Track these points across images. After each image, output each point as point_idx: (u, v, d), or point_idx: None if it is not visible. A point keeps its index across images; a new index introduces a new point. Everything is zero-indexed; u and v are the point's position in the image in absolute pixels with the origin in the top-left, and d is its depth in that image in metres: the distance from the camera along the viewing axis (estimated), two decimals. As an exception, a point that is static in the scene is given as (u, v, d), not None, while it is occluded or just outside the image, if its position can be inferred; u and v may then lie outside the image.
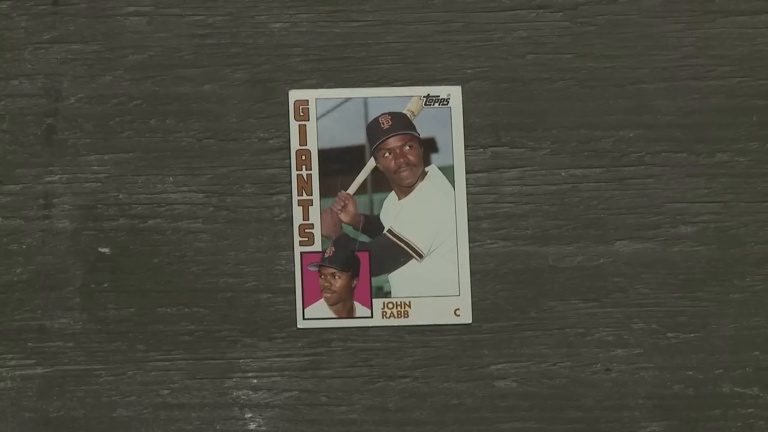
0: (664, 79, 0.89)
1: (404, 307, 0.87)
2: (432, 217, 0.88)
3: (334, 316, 0.87)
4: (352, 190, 0.88)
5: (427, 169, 0.88)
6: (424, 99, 0.89)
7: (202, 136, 0.88)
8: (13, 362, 0.87)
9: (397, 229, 0.88)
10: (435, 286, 0.87)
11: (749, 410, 0.87)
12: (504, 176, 0.89)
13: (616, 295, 0.88)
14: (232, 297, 0.87)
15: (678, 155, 0.89)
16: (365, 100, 0.89)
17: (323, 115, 0.88)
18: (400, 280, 0.88)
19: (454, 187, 0.88)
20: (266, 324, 0.87)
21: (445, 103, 0.89)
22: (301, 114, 0.88)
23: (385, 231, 0.88)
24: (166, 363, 0.87)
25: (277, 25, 0.89)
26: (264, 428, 0.87)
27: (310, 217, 0.88)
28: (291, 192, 0.88)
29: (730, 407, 0.87)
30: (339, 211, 0.88)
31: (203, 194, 0.88)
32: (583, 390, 0.87)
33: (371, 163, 0.88)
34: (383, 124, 0.88)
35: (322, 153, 0.88)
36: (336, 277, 0.88)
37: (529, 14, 0.90)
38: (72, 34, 0.89)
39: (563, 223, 0.88)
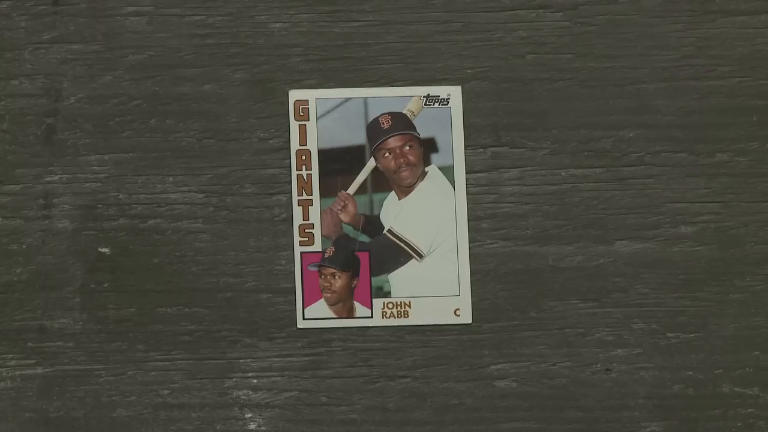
0: (664, 79, 0.89)
1: (404, 307, 0.87)
2: (432, 217, 0.88)
3: (334, 316, 0.87)
4: (352, 190, 0.88)
5: (427, 169, 0.88)
6: (424, 99, 0.89)
7: (202, 136, 0.88)
8: (13, 362, 0.87)
9: (397, 229, 0.88)
10: (435, 286, 0.87)
11: (749, 410, 0.87)
12: (504, 176, 0.89)
13: (616, 295, 0.88)
14: (232, 297, 0.87)
15: (678, 155, 0.89)
16: (365, 100, 0.89)
17: (323, 115, 0.88)
18: (400, 280, 0.88)
19: (454, 187, 0.88)
20: (266, 324, 0.87)
21: (445, 103, 0.89)
22: (301, 114, 0.88)
23: (385, 231, 0.88)
24: (166, 363, 0.87)
25: (277, 25, 0.89)
26: (264, 428, 0.87)
27: (310, 217, 0.88)
28: (291, 192, 0.88)
29: (730, 407, 0.87)
30: (339, 211, 0.88)
31: (203, 194, 0.88)
32: (583, 390, 0.87)
33: (371, 163, 0.88)
34: (383, 124, 0.88)
35: (322, 153, 0.88)
36: (336, 277, 0.88)
37: (529, 14, 0.90)
38: (72, 34, 0.89)
39: (563, 223, 0.88)
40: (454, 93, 0.89)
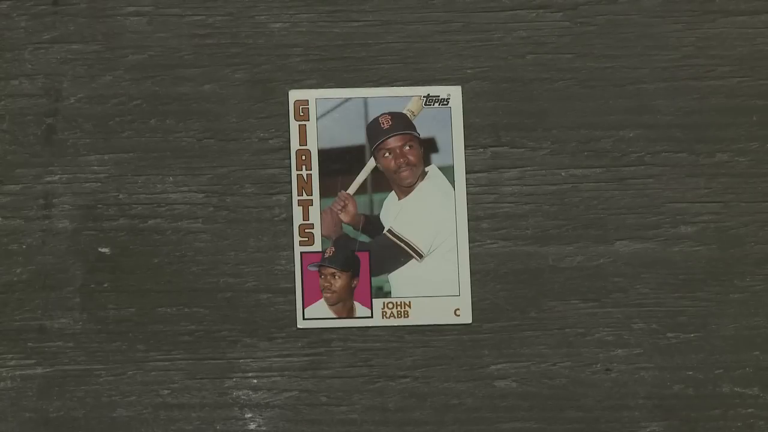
0: (664, 79, 0.89)
1: (404, 307, 0.87)
2: (432, 217, 0.88)
3: (334, 316, 0.87)
4: (352, 190, 0.88)
5: (427, 169, 0.88)
6: (424, 99, 0.89)
7: (202, 136, 0.88)
8: (13, 362, 0.87)
9: (397, 229, 0.88)
10: (435, 286, 0.87)
11: (749, 410, 0.87)
12: (504, 176, 0.89)
13: (616, 295, 0.88)
14: (232, 297, 0.87)
15: (678, 155, 0.89)
16: (365, 100, 0.89)
17: (323, 115, 0.88)
18: (400, 280, 0.88)
19: (454, 187, 0.88)
20: (266, 324, 0.87)
21: (445, 103, 0.89)
22: (301, 114, 0.88)
23: (385, 231, 0.88)
24: (166, 363, 0.87)
25: (277, 25, 0.89)
26: (264, 428, 0.87)
27: (310, 217, 0.88)
28: (291, 192, 0.88)
29: (730, 407, 0.87)
30: (339, 211, 0.88)
31: (203, 194, 0.88)
32: (583, 390, 0.87)
33: (371, 163, 0.88)
34: (383, 124, 0.88)
35: (322, 153, 0.88)
36: (336, 277, 0.88)
37: (529, 14, 0.90)
38: (72, 34, 0.89)
39: (563, 223, 0.88)
40: (454, 93, 0.89)
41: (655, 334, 0.88)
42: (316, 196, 0.88)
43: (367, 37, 0.89)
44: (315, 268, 0.88)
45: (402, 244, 0.88)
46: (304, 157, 0.88)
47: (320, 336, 0.87)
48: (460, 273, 0.88)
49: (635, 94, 0.89)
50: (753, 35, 0.90)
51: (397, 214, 0.88)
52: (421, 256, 0.88)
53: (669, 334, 0.88)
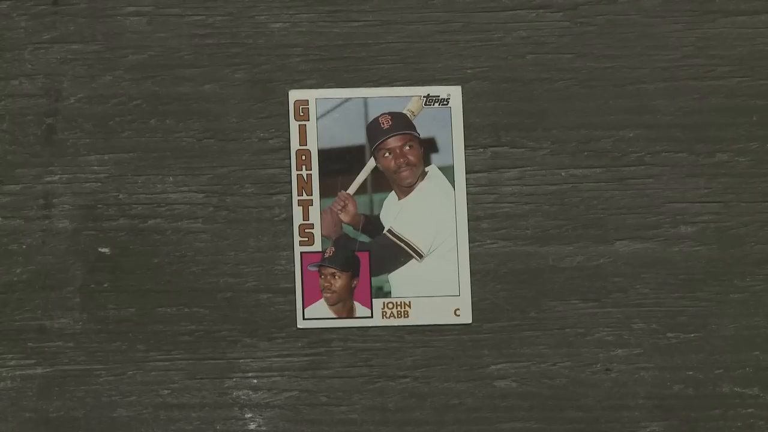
0: (664, 79, 0.89)
1: (404, 307, 0.87)
2: (432, 217, 0.88)
3: (334, 316, 0.87)
4: (352, 190, 0.88)
5: (427, 169, 0.88)
6: (424, 99, 0.89)
7: (202, 136, 0.88)
8: (13, 362, 0.87)
9: (397, 229, 0.88)
10: (435, 286, 0.87)
11: (749, 410, 0.87)
12: (504, 176, 0.89)
13: (616, 295, 0.88)
14: (232, 297, 0.87)
15: (678, 155, 0.89)
16: (365, 100, 0.89)
17: (323, 115, 0.88)
18: (400, 280, 0.88)
19: (454, 187, 0.88)
20: (266, 324, 0.87)
21: (445, 103, 0.89)
22: (301, 114, 0.88)
23: (385, 231, 0.88)
24: (166, 363, 0.87)
25: (277, 25, 0.89)
26: (264, 428, 0.87)
27: (310, 217, 0.88)
28: (291, 192, 0.88)
29: (730, 407, 0.87)
30: (339, 211, 0.88)
31: (203, 194, 0.88)
32: (583, 390, 0.87)
33: (371, 163, 0.88)
34: (383, 124, 0.88)
35: (322, 153, 0.88)
36: (336, 277, 0.88)
37: (529, 14, 0.90)
38: (72, 34, 0.89)
39: (563, 223, 0.88)
40: (454, 93, 0.89)
41: (655, 334, 0.88)
42: (316, 196, 0.88)
43: (367, 37, 0.89)
44: (315, 268, 0.88)
45: (402, 244, 0.88)
46: (304, 157, 0.88)
47: (320, 336, 0.87)
48: (460, 273, 0.88)
49: (635, 94, 0.89)
50: (753, 35, 0.90)
51: (397, 214, 0.88)
52: (421, 256, 0.88)
53: (669, 334, 0.88)
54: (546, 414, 0.87)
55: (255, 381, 0.87)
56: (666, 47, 0.89)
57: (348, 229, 0.88)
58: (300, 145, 0.88)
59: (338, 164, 0.88)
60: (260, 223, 0.88)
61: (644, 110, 0.89)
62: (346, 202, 0.88)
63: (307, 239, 0.88)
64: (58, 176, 0.88)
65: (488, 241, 0.88)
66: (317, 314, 0.87)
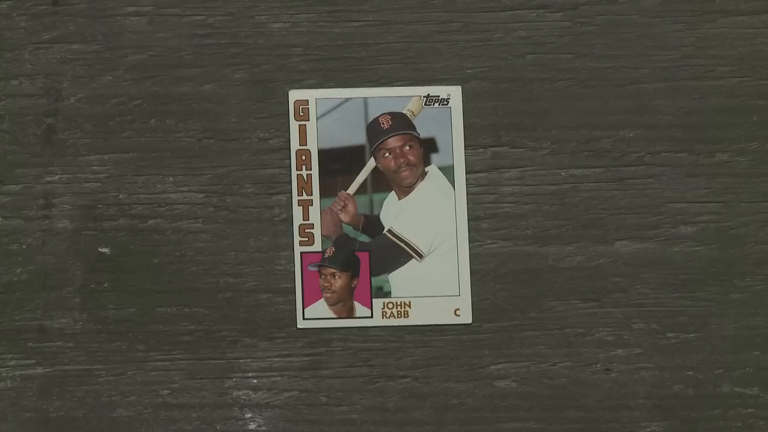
0: (664, 79, 0.89)
1: (404, 307, 0.87)
2: (432, 217, 0.88)
3: (334, 316, 0.87)
4: (352, 190, 0.88)
5: (427, 169, 0.88)
6: (424, 99, 0.89)
7: (202, 136, 0.88)
8: (13, 362, 0.87)
9: (397, 229, 0.88)
10: (435, 286, 0.87)
11: (749, 410, 0.87)
12: (504, 176, 0.89)
13: (616, 295, 0.88)
14: (232, 297, 0.87)
15: (678, 155, 0.89)
16: (365, 100, 0.89)
17: (323, 115, 0.88)
18: (400, 280, 0.88)
19: (454, 187, 0.88)
20: (266, 324, 0.87)
21: (445, 103, 0.89)
22: (301, 114, 0.88)
23: (385, 231, 0.88)
24: (166, 363, 0.87)
25: (277, 25, 0.89)
26: (264, 428, 0.87)
27: (310, 217, 0.88)
28: (291, 192, 0.88)
29: (730, 407, 0.87)
30: (339, 211, 0.88)
31: (203, 194, 0.88)
32: (583, 390, 0.87)
33: (371, 163, 0.88)
34: (383, 124, 0.88)
35: (322, 153, 0.88)
36: (336, 277, 0.88)
37: (529, 14, 0.90)
38: (72, 34, 0.89)
39: (563, 223, 0.88)
40: (454, 93, 0.89)
41: (655, 334, 0.88)
42: (316, 196, 0.88)
43: (367, 37, 0.89)
44: (315, 268, 0.88)
45: (402, 244, 0.88)
46: (304, 157, 0.88)
47: (320, 336, 0.87)
48: (460, 273, 0.88)
49: (635, 94, 0.89)
50: (753, 35, 0.90)
51: (397, 214, 0.88)
52: (421, 256, 0.88)
53: (669, 334, 0.88)
54: (546, 414, 0.87)
55: (255, 381, 0.87)
56: (666, 47, 0.89)
57: (348, 229, 0.88)
58: (300, 145, 0.88)
59: (338, 164, 0.88)
60: (260, 223, 0.88)
61: (644, 110, 0.89)
62: (346, 202, 0.88)
63: (307, 239, 0.88)
64: (58, 176, 0.88)
65: (488, 241, 0.88)
66: (317, 314, 0.87)
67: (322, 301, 0.87)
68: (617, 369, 0.87)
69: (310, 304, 0.87)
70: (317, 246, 0.88)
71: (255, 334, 0.87)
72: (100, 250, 0.87)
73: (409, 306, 0.87)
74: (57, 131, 0.88)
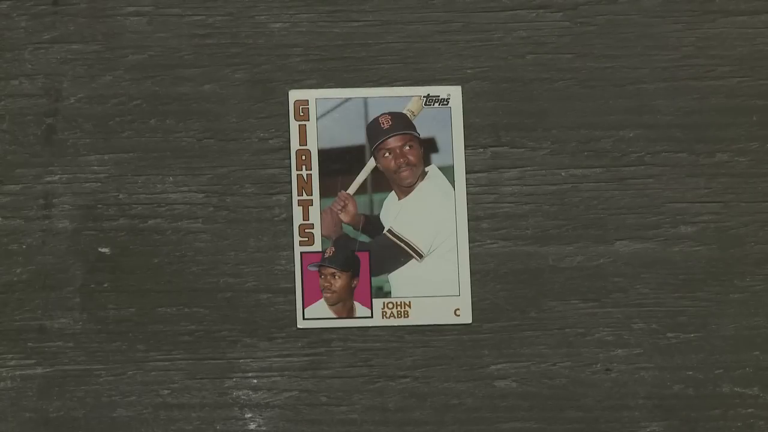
0: (664, 79, 0.89)
1: (404, 307, 0.87)
2: (432, 217, 0.88)
3: (334, 316, 0.87)
4: (352, 190, 0.88)
5: (427, 169, 0.88)
6: (424, 99, 0.89)
7: (202, 136, 0.88)
8: (13, 362, 0.87)
9: (397, 229, 0.88)
10: (435, 286, 0.87)
11: (749, 410, 0.87)
12: (504, 176, 0.89)
13: (616, 295, 0.88)
14: (232, 297, 0.87)
15: (678, 155, 0.89)
16: (365, 100, 0.89)
17: (323, 115, 0.88)
18: (400, 280, 0.88)
19: (454, 187, 0.88)
20: (266, 324, 0.87)
21: (445, 103, 0.89)
22: (301, 114, 0.88)
23: (385, 231, 0.88)
24: (166, 363, 0.87)
25: (277, 25, 0.89)
26: (264, 428, 0.87)
27: (310, 217, 0.88)
28: (291, 192, 0.88)
29: (730, 407, 0.87)
30: (339, 211, 0.88)
31: (203, 194, 0.88)
32: (583, 390, 0.87)
33: (371, 163, 0.88)
34: (383, 124, 0.88)
35: (322, 153, 0.88)
36: (336, 277, 0.88)
37: (529, 14, 0.90)
38: (72, 34, 0.89)
39: (563, 223, 0.88)
40: (454, 93, 0.89)
41: (655, 334, 0.88)
42: (316, 196, 0.88)
43: (367, 37, 0.89)
44: (315, 268, 0.88)
45: (402, 244, 0.88)
46: (304, 157, 0.88)
47: (320, 336, 0.87)
48: (460, 273, 0.87)
49: (635, 94, 0.89)
50: (753, 35, 0.90)
51: (397, 214, 0.88)
52: (421, 256, 0.88)
53: (669, 334, 0.88)
54: (546, 414, 0.87)
55: (255, 381, 0.87)
56: (666, 47, 0.89)
57: (348, 229, 0.88)
58: (300, 145, 0.88)
59: (338, 164, 0.88)
60: (260, 223, 0.88)
61: (644, 110, 0.89)
62: (346, 202, 0.88)
63: (307, 239, 0.88)
64: (58, 176, 0.88)
65: (488, 241, 0.88)
66: (317, 314, 0.87)
67: (322, 301, 0.87)
68: (617, 369, 0.87)
69: (310, 304, 0.87)
70: (317, 246, 0.88)
71: (255, 334, 0.87)
72: (100, 250, 0.87)
73: (409, 306, 0.87)
74: (57, 131, 0.88)
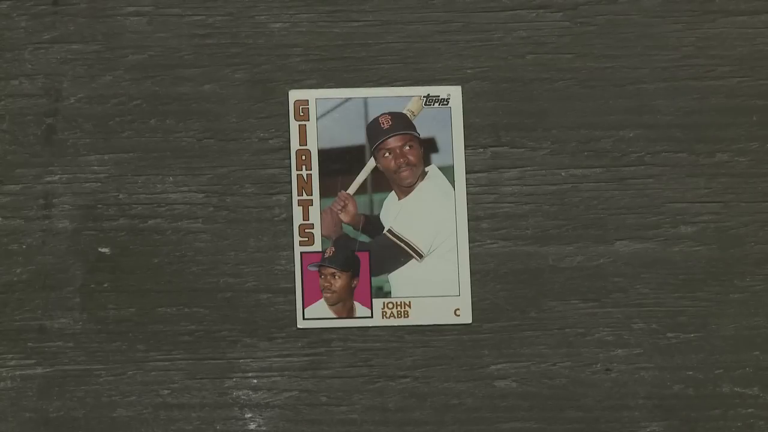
0: (664, 79, 0.89)
1: (404, 307, 0.87)
2: (432, 217, 0.88)
3: (334, 316, 0.87)
4: (352, 190, 0.88)
5: (427, 169, 0.88)
6: (424, 99, 0.89)
7: (202, 136, 0.88)
8: (13, 362, 0.87)
9: (397, 229, 0.88)
10: (435, 286, 0.87)
11: (749, 410, 0.87)
12: (504, 176, 0.89)
13: (616, 295, 0.88)
14: (232, 297, 0.87)
15: (678, 155, 0.89)
16: (365, 100, 0.89)
17: (323, 115, 0.88)
18: (400, 280, 0.88)
19: (454, 187, 0.88)
20: (266, 324, 0.87)
21: (445, 103, 0.89)
22: (301, 114, 0.88)
23: (385, 231, 0.88)
24: (166, 363, 0.87)
25: (277, 25, 0.89)
26: (264, 428, 0.87)
27: (310, 217, 0.88)
28: (291, 192, 0.88)
29: (730, 407, 0.87)
30: (339, 211, 0.88)
31: (203, 194, 0.88)
32: (583, 390, 0.87)
33: (371, 163, 0.88)
34: (383, 124, 0.88)
35: (322, 153, 0.88)
36: (336, 277, 0.88)
37: (529, 14, 0.90)
38: (72, 34, 0.89)
39: (563, 223, 0.88)
40: (454, 93, 0.89)
41: (655, 334, 0.88)
42: (316, 196, 0.88)
43: (367, 37, 0.89)
44: (315, 268, 0.88)
45: (402, 244, 0.88)
46: (304, 157, 0.88)
47: (320, 336, 0.87)
48: (460, 273, 0.87)
49: (635, 94, 0.89)
50: (753, 35, 0.90)
51: (397, 214, 0.88)
52: (421, 256, 0.88)
53: (669, 334, 0.88)
54: (546, 414, 0.87)
55: (255, 381, 0.87)
56: (666, 47, 0.89)
57: (348, 229, 0.88)
58: (300, 145, 0.88)
59: (338, 164, 0.88)
60: (260, 223, 0.88)
61: (644, 110, 0.89)
62: (346, 202, 0.88)
63: (307, 239, 0.88)
64: (58, 176, 0.88)
65: (488, 241, 0.88)
66: (317, 314, 0.87)
67: (322, 301, 0.87)
68: (617, 369, 0.87)
69: (310, 304, 0.87)
70: (317, 246, 0.88)
71: (255, 334, 0.87)
72: (100, 250, 0.87)
73: (409, 306, 0.87)
74: (57, 131, 0.88)
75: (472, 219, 0.88)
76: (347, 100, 0.88)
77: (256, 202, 0.88)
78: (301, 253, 0.88)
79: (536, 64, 0.89)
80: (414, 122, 0.89)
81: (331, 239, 0.88)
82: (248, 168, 0.88)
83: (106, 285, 0.87)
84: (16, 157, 0.88)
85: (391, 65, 0.89)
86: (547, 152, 0.89)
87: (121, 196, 0.88)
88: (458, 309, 0.87)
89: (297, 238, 0.88)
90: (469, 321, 0.87)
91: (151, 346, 0.87)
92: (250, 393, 0.87)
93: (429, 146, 0.88)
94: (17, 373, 0.86)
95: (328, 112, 0.88)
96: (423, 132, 0.89)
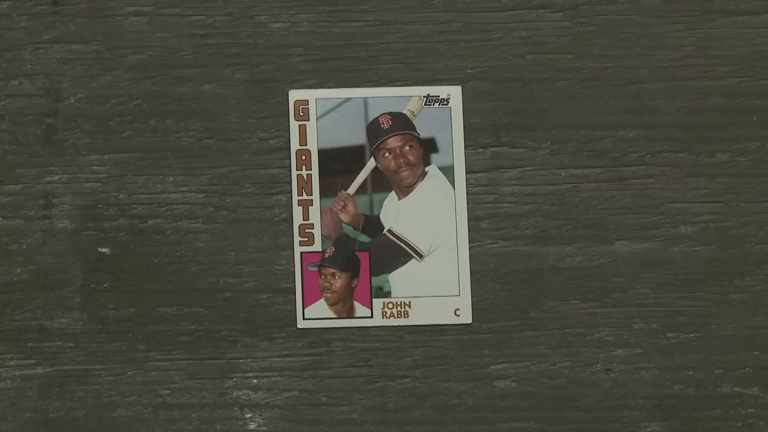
0: (664, 79, 0.89)
1: (404, 307, 0.87)
2: (432, 217, 0.88)
3: (334, 316, 0.87)
4: (352, 190, 0.88)
5: (427, 169, 0.88)
6: (424, 99, 0.89)
7: (202, 136, 0.88)
8: (13, 362, 0.87)
9: (397, 229, 0.88)
10: (435, 286, 0.87)
11: (749, 410, 0.87)
12: (504, 176, 0.89)
13: (616, 295, 0.88)
14: (232, 297, 0.87)
15: (678, 155, 0.89)
16: (365, 100, 0.89)
17: (323, 115, 0.88)
18: (400, 280, 0.88)
19: (454, 187, 0.88)
20: (266, 324, 0.87)
21: (445, 103, 0.89)
22: (301, 114, 0.88)
23: (385, 231, 0.88)
24: (166, 363, 0.87)
25: (277, 25, 0.89)
26: (264, 428, 0.87)
27: (310, 217, 0.88)
28: (291, 192, 0.88)
29: (730, 407, 0.87)
30: (339, 211, 0.88)
31: (203, 194, 0.88)
32: (583, 390, 0.87)
33: (371, 163, 0.88)
34: (383, 124, 0.88)
35: (322, 153, 0.88)
36: (336, 277, 0.88)
37: (529, 14, 0.90)
38: (72, 34, 0.89)
39: (563, 223, 0.88)
40: (454, 93, 0.89)
41: (655, 334, 0.88)
42: (316, 196, 0.88)
43: (367, 37, 0.89)
44: (315, 268, 0.88)
45: (402, 244, 0.88)
46: (304, 157, 0.88)
47: (320, 336, 0.87)
48: (460, 273, 0.87)
49: (635, 94, 0.89)
50: (753, 35, 0.90)
51: (397, 214, 0.88)
52: (421, 256, 0.88)
53: (669, 334, 0.88)
54: (546, 414, 0.87)
55: (255, 381, 0.87)
56: (666, 47, 0.89)
57: (348, 229, 0.88)
58: (300, 145, 0.88)
59: (338, 164, 0.88)
60: (260, 223, 0.88)
61: (644, 110, 0.89)
62: (346, 202, 0.88)
63: (307, 239, 0.88)
64: (58, 176, 0.88)
65: (488, 241, 0.88)
66: (317, 314, 0.87)
67: (322, 301, 0.87)
68: (617, 369, 0.87)
69: (310, 304, 0.87)
70: (317, 246, 0.88)
71: (255, 334, 0.87)
72: (100, 250, 0.87)
73: (409, 306, 0.87)
74: (57, 131, 0.88)
75: (472, 219, 0.88)
76: (347, 100, 0.88)
77: (256, 202, 0.88)
78: (301, 253, 0.88)
79: (536, 64, 0.89)
80: (414, 122, 0.89)
81: (331, 239, 0.88)
82: (248, 168, 0.88)
83: (106, 285, 0.87)
84: (16, 157, 0.88)
85: (391, 65, 0.89)
86: (547, 152, 0.89)
87: (121, 196, 0.88)
88: (458, 309, 0.87)
89: (297, 238, 0.88)
90: (469, 321, 0.87)
91: (151, 346, 0.87)
92: (250, 393, 0.87)
93: (429, 146, 0.88)
94: (17, 373, 0.86)
95: (328, 112, 0.88)
96: (423, 132, 0.89)
